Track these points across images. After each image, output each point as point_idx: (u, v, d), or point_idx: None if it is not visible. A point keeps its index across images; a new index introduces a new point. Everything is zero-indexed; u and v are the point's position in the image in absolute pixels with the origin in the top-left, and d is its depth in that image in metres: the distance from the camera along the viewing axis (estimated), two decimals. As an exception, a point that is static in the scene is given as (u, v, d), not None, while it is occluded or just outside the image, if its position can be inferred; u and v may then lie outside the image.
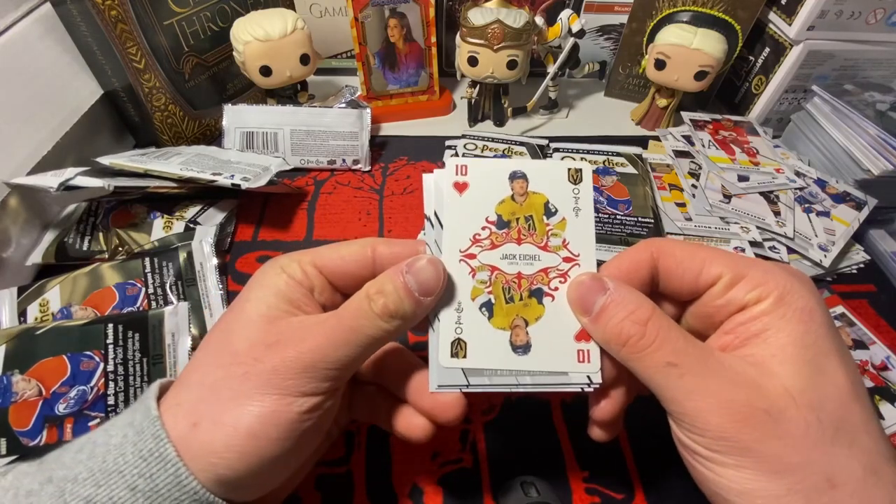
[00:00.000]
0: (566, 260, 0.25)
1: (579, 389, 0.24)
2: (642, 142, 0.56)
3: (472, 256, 0.25)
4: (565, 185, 0.25)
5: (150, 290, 0.38)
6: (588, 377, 0.24)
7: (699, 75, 0.52)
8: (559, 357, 0.24)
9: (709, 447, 0.20)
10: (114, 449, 0.20)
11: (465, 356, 0.24)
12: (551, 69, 0.56)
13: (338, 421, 0.29)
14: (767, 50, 0.56)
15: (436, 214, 0.25)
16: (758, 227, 0.44)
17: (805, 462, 0.19)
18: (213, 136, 0.56)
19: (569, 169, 0.26)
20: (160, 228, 0.43)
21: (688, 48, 0.51)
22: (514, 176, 0.25)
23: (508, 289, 0.25)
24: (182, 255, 0.39)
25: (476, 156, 0.52)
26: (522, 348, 0.24)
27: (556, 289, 0.25)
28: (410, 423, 0.26)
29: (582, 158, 0.52)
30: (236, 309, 0.23)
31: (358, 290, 0.25)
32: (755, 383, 0.20)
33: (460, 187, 0.25)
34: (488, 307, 0.24)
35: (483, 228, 0.25)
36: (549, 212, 0.25)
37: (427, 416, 0.25)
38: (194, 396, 0.21)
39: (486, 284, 0.24)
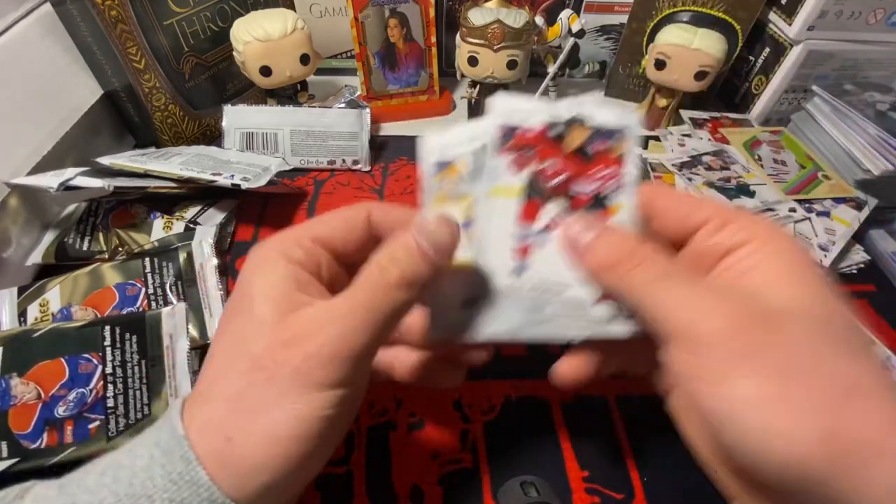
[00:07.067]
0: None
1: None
2: (642, 142, 0.56)
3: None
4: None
5: (150, 291, 0.38)
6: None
7: (699, 75, 0.52)
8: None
9: (708, 363, 0.19)
10: (140, 472, 0.19)
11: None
12: (551, 69, 0.56)
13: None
14: (767, 50, 0.56)
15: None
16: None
17: (817, 368, 0.18)
18: (213, 136, 0.56)
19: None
20: (160, 228, 0.43)
21: (688, 48, 0.51)
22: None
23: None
24: (182, 256, 0.39)
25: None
26: None
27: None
28: (438, 373, 0.27)
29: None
30: (243, 309, 0.22)
31: (359, 260, 0.25)
32: (751, 296, 0.20)
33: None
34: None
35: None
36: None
37: (454, 363, 0.26)
38: (222, 410, 0.20)
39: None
